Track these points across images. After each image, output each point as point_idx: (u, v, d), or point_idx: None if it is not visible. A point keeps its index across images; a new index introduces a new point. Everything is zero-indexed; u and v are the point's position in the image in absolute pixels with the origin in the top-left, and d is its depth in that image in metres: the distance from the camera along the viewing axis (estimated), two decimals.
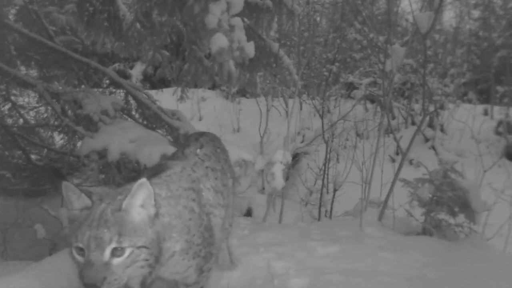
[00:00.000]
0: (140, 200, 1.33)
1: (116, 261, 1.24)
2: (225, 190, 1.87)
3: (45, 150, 4.50)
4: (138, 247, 1.28)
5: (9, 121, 4.33)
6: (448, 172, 3.04)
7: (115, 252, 1.23)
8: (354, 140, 6.01)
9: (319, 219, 4.48)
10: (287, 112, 8.92)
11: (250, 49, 3.09)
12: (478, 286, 2.13)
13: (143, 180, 1.33)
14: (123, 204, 1.31)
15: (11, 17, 4.08)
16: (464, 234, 2.98)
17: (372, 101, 9.28)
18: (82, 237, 1.23)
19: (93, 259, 1.21)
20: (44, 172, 4.35)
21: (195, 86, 4.18)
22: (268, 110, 4.96)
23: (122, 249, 1.24)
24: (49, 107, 4.05)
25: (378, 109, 8.54)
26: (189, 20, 3.03)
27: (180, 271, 1.52)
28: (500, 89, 10.55)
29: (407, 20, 9.93)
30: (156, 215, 1.38)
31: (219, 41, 2.74)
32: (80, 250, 1.23)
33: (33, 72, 4.47)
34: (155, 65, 3.78)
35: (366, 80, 8.40)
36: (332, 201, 4.54)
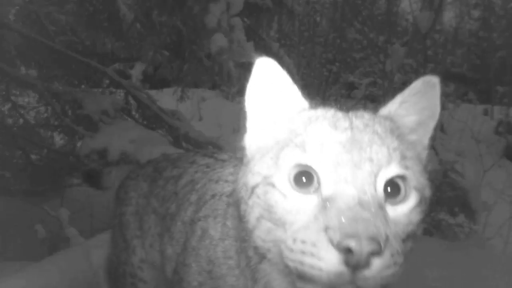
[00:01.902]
0: (426, 111, 0.79)
1: (397, 210, 0.67)
2: None
3: (45, 150, 4.50)
4: (426, 198, 0.72)
5: (9, 121, 4.32)
6: (448, 172, 3.04)
7: (392, 192, 0.68)
8: None
9: None
10: None
11: (249, 49, 3.09)
12: (478, 286, 2.13)
13: (434, 78, 0.79)
14: (394, 108, 0.80)
15: (11, 17, 4.08)
16: (464, 234, 2.98)
17: (372, 101, 9.30)
18: (331, 150, 0.66)
19: (364, 195, 0.63)
20: (44, 172, 4.35)
21: (195, 86, 4.19)
22: None
23: (405, 190, 0.68)
24: (49, 107, 4.05)
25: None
26: (189, 20, 3.04)
27: None
28: (500, 89, 10.56)
29: (407, 20, 9.94)
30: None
31: (219, 41, 2.75)
32: (301, 178, 0.67)
33: (33, 72, 4.46)
34: (155, 65, 3.78)
35: (366, 80, 8.41)
36: None
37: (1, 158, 4.19)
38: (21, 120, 4.44)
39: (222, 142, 3.71)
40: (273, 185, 0.69)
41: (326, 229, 0.60)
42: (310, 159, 0.67)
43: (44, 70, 4.33)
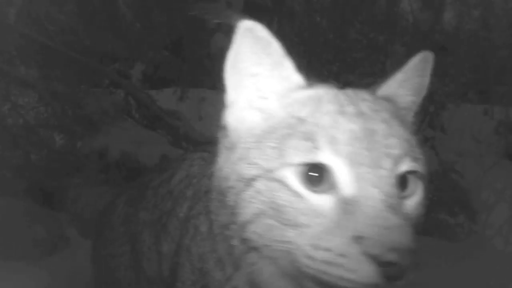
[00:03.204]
0: (422, 90, 0.75)
1: (407, 205, 0.64)
2: None
3: (45, 150, 4.49)
4: (426, 180, 0.68)
5: (9, 121, 4.32)
6: (448, 172, 3.04)
7: (400, 185, 0.63)
8: None
9: None
10: None
11: None
12: (478, 286, 2.13)
13: (430, 53, 0.73)
14: (394, 88, 0.73)
15: (11, 17, 4.07)
16: (464, 234, 2.98)
17: None
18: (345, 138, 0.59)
19: (390, 198, 0.58)
20: (44, 172, 4.35)
21: (195, 86, 4.19)
22: None
23: (413, 182, 0.64)
24: (49, 107, 4.05)
25: None
26: (189, 20, 3.04)
27: None
28: (500, 89, 10.54)
29: (407, 20, 9.93)
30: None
31: (219, 41, 2.75)
32: (313, 180, 0.59)
33: (33, 72, 4.46)
34: (155, 65, 3.78)
35: (366, 80, 8.41)
36: None
37: (1, 158, 4.19)
38: (21, 120, 4.44)
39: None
40: (281, 182, 0.60)
41: (357, 238, 0.54)
42: (324, 156, 0.59)
43: (44, 70, 4.32)
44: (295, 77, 0.72)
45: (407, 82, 0.75)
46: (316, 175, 0.60)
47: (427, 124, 8.24)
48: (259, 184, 0.62)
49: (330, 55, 10.73)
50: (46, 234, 2.96)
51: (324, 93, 0.69)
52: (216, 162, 0.76)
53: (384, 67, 3.25)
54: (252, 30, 0.68)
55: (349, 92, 0.71)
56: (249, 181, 0.64)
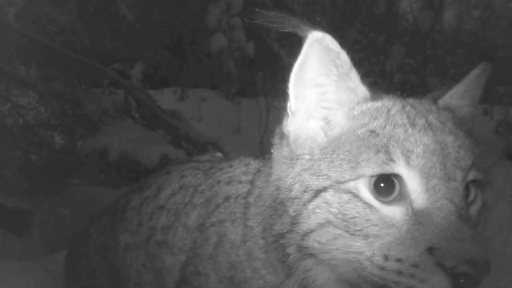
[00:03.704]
0: (476, 100, 0.78)
1: (472, 212, 0.65)
2: None
3: (45, 150, 4.50)
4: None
5: (9, 121, 4.32)
6: None
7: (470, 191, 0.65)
8: None
9: None
10: None
11: (249, 49, 3.09)
12: (478, 286, 2.13)
13: (489, 64, 0.78)
14: (455, 99, 0.76)
15: (11, 17, 4.08)
16: None
17: None
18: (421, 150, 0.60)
19: (462, 210, 0.59)
20: (44, 172, 4.35)
21: (195, 86, 4.19)
22: (268, 110, 4.96)
23: (474, 190, 0.66)
24: (49, 107, 4.05)
25: None
26: (189, 20, 3.04)
27: None
28: (500, 89, 10.54)
29: (407, 20, 9.95)
30: None
31: (219, 41, 2.75)
32: (386, 188, 0.60)
33: (33, 72, 4.47)
34: (155, 65, 3.78)
35: (366, 80, 8.42)
36: None
37: (1, 158, 4.19)
38: (21, 120, 4.44)
39: (222, 142, 3.72)
40: (352, 194, 0.62)
41: (431, 249, 0.55)
42: (399, 168, 0.60)
43: (44, 70, 4.33)
44: (361, 89, 0.73)
45: (467, 93, 0.79)
46: (386, 186, 0.61)
47: None
48: (328, 195, 0.63)
49: None
50: (46, 234, 2.97)
51: (391, 105, 0.70)
52: (272, 172, 0.76)
53: (384, 67, 3.26)
54: (321, 41, 0.69)
55: (414, 103, 0.72)
56: (317, 192, 0.64)
